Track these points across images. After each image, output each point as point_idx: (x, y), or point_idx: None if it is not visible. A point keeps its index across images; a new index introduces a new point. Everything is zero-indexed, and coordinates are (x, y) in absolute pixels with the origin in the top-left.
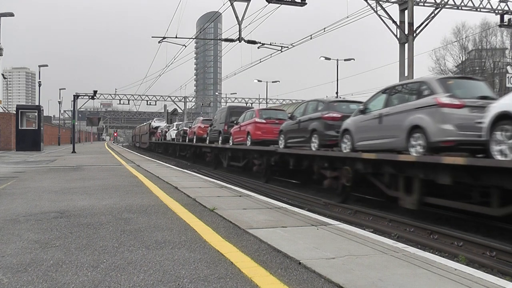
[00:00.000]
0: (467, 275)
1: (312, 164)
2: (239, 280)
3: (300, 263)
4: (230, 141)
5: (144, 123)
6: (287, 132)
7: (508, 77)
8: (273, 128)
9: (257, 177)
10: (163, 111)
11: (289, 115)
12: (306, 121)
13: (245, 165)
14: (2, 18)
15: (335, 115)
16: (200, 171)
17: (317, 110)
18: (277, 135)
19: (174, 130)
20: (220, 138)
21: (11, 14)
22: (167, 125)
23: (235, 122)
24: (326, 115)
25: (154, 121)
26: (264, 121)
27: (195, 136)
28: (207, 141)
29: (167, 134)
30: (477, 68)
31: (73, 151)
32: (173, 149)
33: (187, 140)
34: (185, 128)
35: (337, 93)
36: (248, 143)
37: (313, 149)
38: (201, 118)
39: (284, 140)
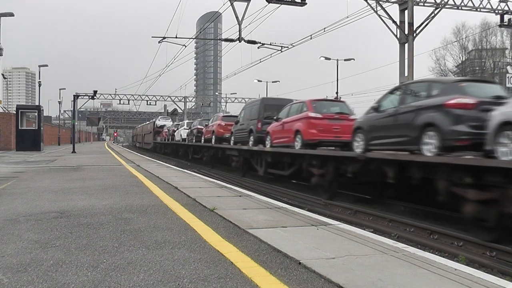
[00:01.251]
0: (467, 275)
1: (438, 179)
2: (239, 280)
3: (300, 263)
4: (267, 142)
5: (147, 122)
6: (370, 130)
7: (508, 77)
8: (331, 126)
9: (313, 190)
10: (163, 111)
11: (374, 105)
12: (409, 113)
13: (293, 174)
14: (2, 18)
15: (467, 100)
16: (200, 171)
17: (431, 94)
18: (337, 134)
19: (184, 129)
20: (252, 138)
21: (11, 14)
22: (175, 123)
23: (274, 118)
24: (452, 101)
25: (159, 120)
26: (320, 115)
27: (214, 136)
28: (231, 142)
29: (175, 133)
30: (477, 68)
31: (73, 151)
32: (185, 151)
33: (202, 140)
34: (199, 126)
35: (337, 93)
36: (297, 145)
37: (428, 153)
38: (221, 114)
39: (364, 141)
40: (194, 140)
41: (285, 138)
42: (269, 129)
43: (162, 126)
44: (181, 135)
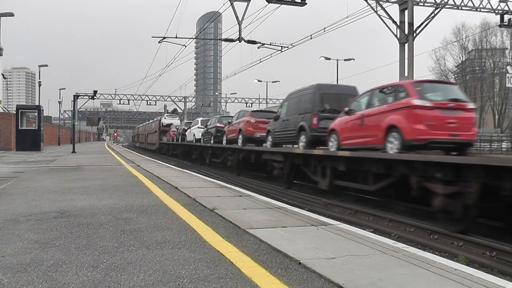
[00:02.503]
0: (467, 275)
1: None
2: (239, 280)
3: (300, 263)
4: (332, 144)
5: (151, 121)
6: None
7: (508, 77)
8: (445, 118)
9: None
10: (163, 111)
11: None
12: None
13: (384, 189)
14: (2, 18)
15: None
16: (200, 171)
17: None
18: (453, 131)
19: (199, 128)
20: (303, 138)
21: (11, 14)
22: (185, 121)
23: (348, 111)
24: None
25: (165, 118)
26: (429, 103)
27: (241, 136)
28: (268, 143)
29: (187, 133)
30: (477, 68)
31: (73, 151)
32: (200, 154)
33: (224, 141)
34: (219, 125)
35: None
36: (392, 147)
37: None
38: (250, 109)
39: None
40: (212, 141)
41: (366, 138)
42: (334, 126)
43: (169, 125)
44: (194, 135)
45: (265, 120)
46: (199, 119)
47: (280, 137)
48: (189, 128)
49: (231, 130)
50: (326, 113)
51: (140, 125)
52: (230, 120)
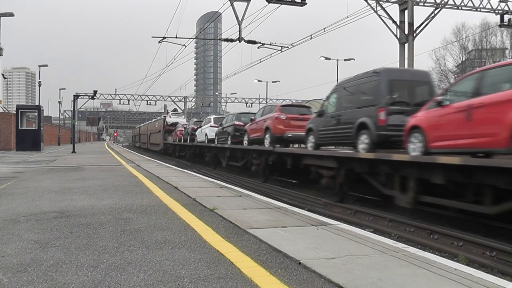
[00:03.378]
0: (467, 275)
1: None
2: (239, 280)
3: (300, 263)
4: (414, 146)
5: (153, 120)
6: None
7: None
8: None
9: None
10: (163, 111)
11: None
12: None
13: None
14: (2, 18)
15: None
16: (200, 171)
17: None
18: None
19: (211, 127)
20: (365, 139)
21: (11, 14)
22: (195, 120)
23: (440, 101)
24: None
25: (170, 116)
26: None
27: (268, 135)
28: (309, 144)
29: (197, 132)
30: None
31: (73, 151)
32: (214, 156)
33: (245, 142)
34: (237, 123)
35: None
36: None
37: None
38: (280, 103)
39: None
40: (229, 141)
41: (476, 138)
42: (417, 122)
43: (175, 124)
44: (206, 135)
45: (297, 116)
46: (212, 117)
47: (328, 137)
48: (200, 127)
49: (255, 129)
50: (397, 106)
51: (142, 124)
52: (252, 117)
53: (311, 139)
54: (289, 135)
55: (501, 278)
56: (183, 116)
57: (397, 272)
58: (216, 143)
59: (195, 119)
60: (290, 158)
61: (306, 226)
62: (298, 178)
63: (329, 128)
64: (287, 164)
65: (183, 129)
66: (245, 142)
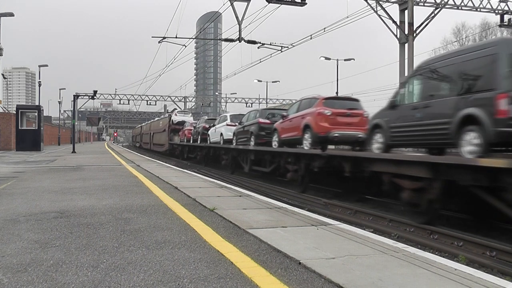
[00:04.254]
0: (467, 275)
1: None
2: (239, 280)
3: (300, 263)
4: None
5: (156, 118)
6: None
7: None
8: None
9: None
10: (163, 110)
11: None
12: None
13: None
14: (2, 18)
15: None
16: (200, 171)
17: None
18: None
19: (227, 125)
20: (475, 137)
21: (11, 14)
22: (207, 118)
23: None
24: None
25: (176, 115)
26: None
27: (308, 135)
28: (375, 146)
29: (210, 132)
30: None
31: (73, 151)
32: (233, 159)
33: (274, 143)
34: (262, 120)
35: (337, 93)
36: None
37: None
38: (320, 96)
39: None
40: (252, 142)
41: None
42: None
43: (182, 123)
44: (221, 135)
45: (344, 111)
46: (228, 115)
47: (405, 136)
48: (213, 126)
49: (289, 128)
50: None
51: (143, 123)
52: (284, 114)
53: (378, 138)
54: (336, 134)
55: (501, 278)
56: (190, 114)
57: (397, 272)
58: (234, 144)
59: (206, 117)
60: (349, 164)
61: (306, 226)
62: (345, 187)
63: (409, 124)
64: (343, 171)
65: (192, 128)
66: (275, 144)
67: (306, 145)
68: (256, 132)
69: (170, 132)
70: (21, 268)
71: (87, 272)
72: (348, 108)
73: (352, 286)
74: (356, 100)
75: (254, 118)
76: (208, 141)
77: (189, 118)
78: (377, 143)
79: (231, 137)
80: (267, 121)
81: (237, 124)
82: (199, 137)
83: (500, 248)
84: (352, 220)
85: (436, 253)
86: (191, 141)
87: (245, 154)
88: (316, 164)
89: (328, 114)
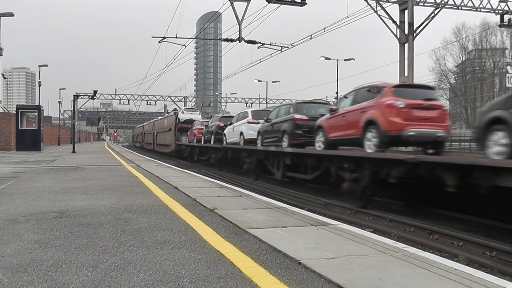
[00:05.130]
0: (467, 275)
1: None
2: (239, 280)
3: (300, 263)
4: None
5: (160, 117)
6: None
7: (508, 77)
8: None
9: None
10: (163, 110)
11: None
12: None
13: None
14: (2, 18)
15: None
16: (200, 171)
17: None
18: None
19: (249, 123)
20: None
21: (11, 14)
22: (221, 115)
23: None
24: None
25: (183, 112)
26: None
27: (373, 133)
28: (494, 149)
29: (226, 131)
30: (477, 68)
31: (73, 151)
32: (258, 162)
33: (319, 144)
34: (298, 117)
35: (337, 93)
36: None
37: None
38: (388, 83)
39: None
40: (286, 143)
41: None
42: None
43: (190, 121)
44: (241, 134)
45: (421, 103)
46: (249, 110)
47: None
48: (230, 124)
49: (340, 125)
50: None
51: (145, 123)
52: (333, 107)
53: (501, 138)
54: (411, 133)
55: (501, 278)
56: (198, 112)
57: (397, 272)
58: (260, 144)
59: (220, 115)
60: (453, 174)
61: (306, 226)
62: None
63: None
64: (442, 184)
65: (204, 127)
66: (319, 145)
67: (370, 146)
68: (291, 130)
69: (177, 131)
70: (21, 268)
71: (87, 272)
72: (425, 99)
73: (352, 286)
74: (432, 88)
75: (286, 114)
76: (224, 142)
77: (197, 116)
78: (497, 146)
79: (255, 137)
80: (304, 117)
81: (259, 121)
82: (213, 137)
83: (500, 248)
84: (352, 220)
85: (436, 253)
86: (202, 142)
87: (276, 157)
88: (395, 173)
89: (401, 106)
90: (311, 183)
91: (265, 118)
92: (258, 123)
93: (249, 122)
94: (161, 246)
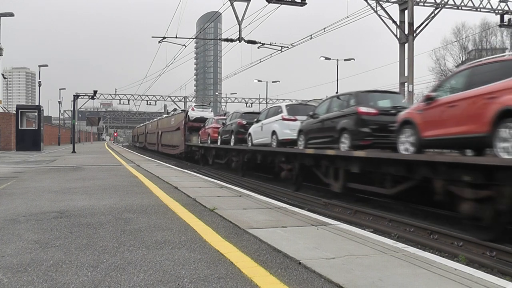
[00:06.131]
0: (467, 275)
1: None
2: (239, 280)
3: (300, 263)
4: None
5: (165, 116)
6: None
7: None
8: None
9: None
10: (163, 110)
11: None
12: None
13: None
14: (2, 18)
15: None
16: (200, 171)
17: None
18: None
19: (284, 120)
20: None
21: (11, 14)
22: (243, 112)
23: None
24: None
25: (193, 109)
26: None
27: None
28: None
29: (252, 130)
30: None
31: (73, 151)
32: (302, 170)
33: (404, 146)
34: (364, 110)
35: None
36: None
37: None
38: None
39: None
40: (345, 144)
41: None
42: None
43: (201, 120)
44: (274, 134)
45: None
46: (283, 105)
47: None
48: (258, 121)
49: (447, 119)
50: None
51: (148, 122)
52: (432, 94)
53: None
54: None
55: (501, 278)
56: (210, 109)
57: (397, 272)
58: (301, 146)
59: (242, 111)
60: None
61: (306, 226)
62: None
63: None
64: None
65: (220, 125)
66: (405, 147)
67: (508, 150)
68: (354, 128)
69: (187, 130)
70: (21, 268)
71: (87, 272)
72: None
73: (352, 286)
74: None
75: (345, 107)
76: (249, 143)
77: (209, 114)
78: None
79: (292, 137)
80: (372, 110)
81: (296, 118)
82: (233, 136)
83: (500, 248)
84: (352, 220)
85: (436, 253)
86: (219, 143)
87: (332, 163)
88: None
89: None
90: (390, 199)
91: (311, 113)
92: (296, 119)
93: (283, 119)
94: (161, 246)
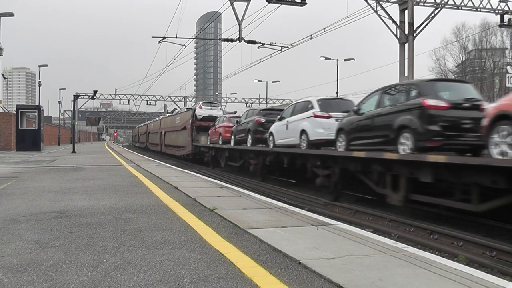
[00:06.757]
0: (467, 275)
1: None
2: (239, 280)
3: (300, 263)
4: None
5: (168, 115)
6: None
7: (508, 77)
8: None
9: None
10: (163, 110)
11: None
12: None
13: None
14: (2, 18)
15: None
16: (200, 171)
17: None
18: None
19: (316, 117)
20: None
21: (11, 14)
22: (261, 109)
23: None
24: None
25: (201, 107)
26: None
27: None
28: None
29: (274, 129)
30: (477, 68)
31: (73, 151)
32: (343, 176)
33: (508, 147)
34: (430, 103)
35: (337, 93)
36: None
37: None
38: None
39: None
40: (409, 146)
41: None
42: None
43: (210, 118)
44: (303, 133)
45: None
46: (314, 100)
47: None
48: (282, 119)
49: None
50: None
51: (150, 121)
52: None
53: None
54: None
55: (501, 278)
56: (219, 108)
57: (397, 272)
58: (340, 148)
59: (260, 108)
60: None
61: (306, 226)
62: None
63: None
64: None
65: (233, 124)
66: (501, 150)
67: None
68: (419, 126)
69: (195, 130)
70: (21, 268)
71: (87, 272)
72: None
73: (352, 286)
74: None
75: (402, 100)
76: (271, 144)
77: (219, 112)
78: None
79: (328, 137)
80: (443, 103)
81: (331, 115)
82: (250, 136)
83: (500, 248)
84: (352, 220)
85: (436, 253)
86: (232, 143)
87: (389, 168)
88: None
89: None
90: (476, 217)
91: (354, 109)
92: (330, 117)
93: (315, 116)
94: (161, 246)
